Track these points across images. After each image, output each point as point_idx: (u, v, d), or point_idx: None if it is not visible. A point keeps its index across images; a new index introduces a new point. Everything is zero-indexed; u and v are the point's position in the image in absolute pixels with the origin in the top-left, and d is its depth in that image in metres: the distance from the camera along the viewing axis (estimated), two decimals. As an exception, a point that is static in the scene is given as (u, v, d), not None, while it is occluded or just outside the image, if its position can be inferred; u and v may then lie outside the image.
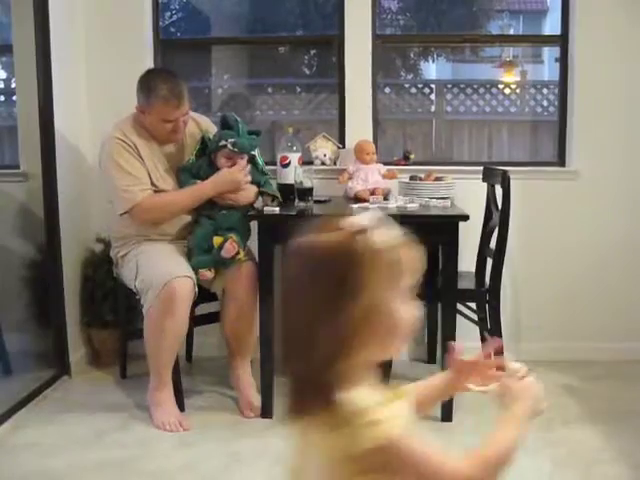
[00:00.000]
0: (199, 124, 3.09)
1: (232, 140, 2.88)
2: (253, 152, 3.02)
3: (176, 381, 2.89)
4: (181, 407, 2.88)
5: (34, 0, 3.05)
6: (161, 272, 2.71)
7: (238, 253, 2.83)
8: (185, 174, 2.97)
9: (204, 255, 2.86)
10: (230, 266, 2.87)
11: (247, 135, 2.95)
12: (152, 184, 2.91)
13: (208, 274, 2.85)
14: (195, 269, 2.83)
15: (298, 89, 4.27)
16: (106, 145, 2.91)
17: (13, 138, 3.39)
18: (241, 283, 2.88)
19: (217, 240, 2.83)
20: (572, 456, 2.52)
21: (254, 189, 3.00)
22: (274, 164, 3.26)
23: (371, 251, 1.02)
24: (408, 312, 1.06)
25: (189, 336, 3.50)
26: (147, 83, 2.87)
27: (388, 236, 1.05)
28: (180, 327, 2.75)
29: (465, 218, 2.72)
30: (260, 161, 3.08)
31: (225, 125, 2.95)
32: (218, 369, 3.32)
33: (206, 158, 2.97)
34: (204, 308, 3.13)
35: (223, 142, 2.89)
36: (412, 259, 1.06)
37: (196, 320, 3.24)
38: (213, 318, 3.10)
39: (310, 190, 2.91)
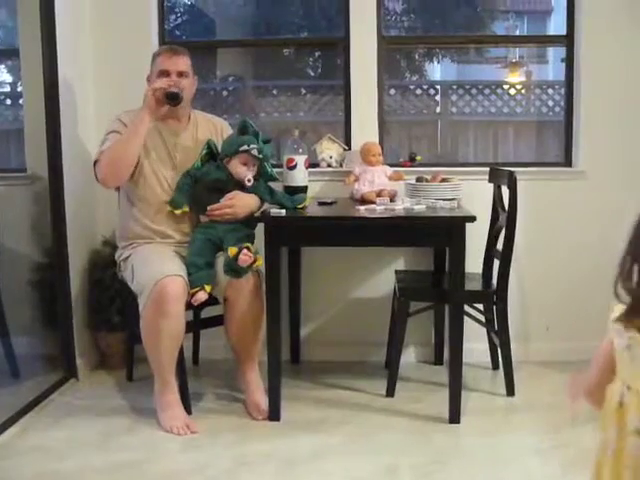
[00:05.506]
0: (215, 124, 3.11)
1: (256, 146, 2.87)
2: (272, 161, 3.03)
3: (182, 384, 2.87)
4: (188, 410, 2.86)
5: (40, 4, 3.06)
6: (152, 272, 2.69)
7: (255, 261, 2.73)
8: (187, 178, 2.93)
9: (199, 272, 2.78)
10: (245, 274, 2.75)
11: (263, 143, 2.93)
12: (139, 164, 2.91)
13: (201, 295, 2.74)
14: (194, 287, 2.75)
15: (303, 91, 4.26)
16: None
17: (20, 141, 3.40)
18: (243, 293, 2.80)
19: (232, 250, 2.71)
20: (581, 458, 2.50)
21: (254, 198, 2.95)
22: (280, 167, 3.25)
23: None
24: None
25: (195, 339, 3.51)
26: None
27: None
28: (175, 327, 2.70)
29: (472, 219, 2.71)
30: (269, 167, 3.01)
31: (243, 130, 2.92)
32: (225, 371, 3.33)
33: (214, 163, 2.95)
34: (209, 311, 3.12)
35: (246, 147, 2.86)
36: None
37: (202, 323, 3.24)
38: (219, 321, 3.08)
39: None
